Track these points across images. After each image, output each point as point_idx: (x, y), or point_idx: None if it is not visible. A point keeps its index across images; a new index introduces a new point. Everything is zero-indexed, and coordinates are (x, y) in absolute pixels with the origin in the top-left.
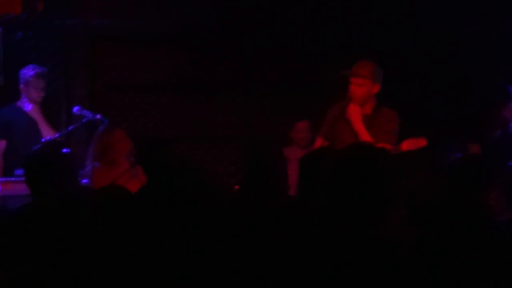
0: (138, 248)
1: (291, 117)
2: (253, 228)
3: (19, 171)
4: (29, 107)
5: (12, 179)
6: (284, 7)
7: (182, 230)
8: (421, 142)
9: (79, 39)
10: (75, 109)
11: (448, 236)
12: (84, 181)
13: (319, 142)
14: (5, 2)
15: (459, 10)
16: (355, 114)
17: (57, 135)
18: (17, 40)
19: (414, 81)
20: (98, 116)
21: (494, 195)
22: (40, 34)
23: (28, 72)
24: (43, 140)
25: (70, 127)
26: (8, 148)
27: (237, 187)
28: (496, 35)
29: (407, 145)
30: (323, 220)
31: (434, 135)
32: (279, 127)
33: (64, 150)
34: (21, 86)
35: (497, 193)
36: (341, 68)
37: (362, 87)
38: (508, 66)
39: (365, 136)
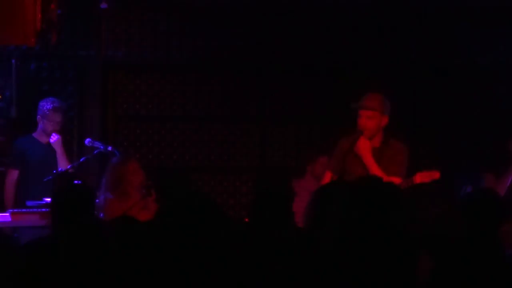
0: (149, 277)
1: (303, 149)
2: (263, 260)
3: (30, 203)
4: (52, 137)
5: (24, 210)
6: (300, 38)
7: (192, 262)
8: (435, 175)
9: (93, 71)
10: (87, 141)
11: (461, 269)
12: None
13: (328, 176)
14: (18, 34)
15: (474, 43)
16: (364, 147)
17: (68, 166)
18: (31, 72)
19: (429, 113)
20: (110, 148)
21: (506, 229)
22: (53, 65)
23: (46, 105)
24: (54, 171)
25: (82, 159)
26: (21, 178)
27: (247, 219)
28: (509, 67)
29: (420, 177)
30: (333, 252)
31: (449, 167)
32: (291, 159)
33: (75, 182)
34: (38, 117)
35: (509, 227)
36: (351, 101)
37: (372, 120)
38: None
39: (375, 170)
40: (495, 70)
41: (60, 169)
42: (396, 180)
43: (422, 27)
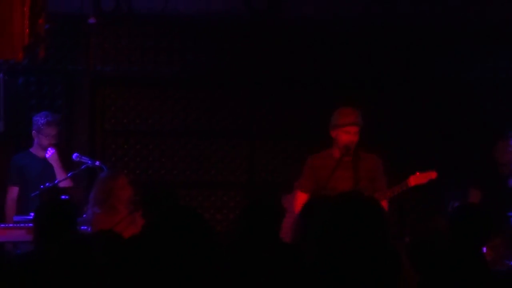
0: None
1: (293, 164)
2: (249, 274)
3: (17, 218)
4: (48, 152)
5: (11, 225)
6: (289, 53)
7: (179, 277)
8: (431, 175)
9: (81, 85)
10: (75, 155)
11: (446, 283)
12: (83, 227)
13: (302, 197)
14: (6, 49)
15: (462, 59)
16: None
17: (56, 181)
18: (19, 86)
19: (417, 128)
20: (97, 163)
21: (493, 245)
22: (41, 80)
23: (40, 119)
24: (42, 186)
25: (69, 174)
26: (21, 194)
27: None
28: (497, 82)
29: (414, 180)
30: (316, 267)
31: (438, 182)
32: (279, 174)
33: (63, 197)
34: (33, 132)
35: (496, 243)
36: (335, 118)
37: (358, 135)
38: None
39: None
40: (483, 86)
41: (47, 184)
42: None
43: (410, 43)
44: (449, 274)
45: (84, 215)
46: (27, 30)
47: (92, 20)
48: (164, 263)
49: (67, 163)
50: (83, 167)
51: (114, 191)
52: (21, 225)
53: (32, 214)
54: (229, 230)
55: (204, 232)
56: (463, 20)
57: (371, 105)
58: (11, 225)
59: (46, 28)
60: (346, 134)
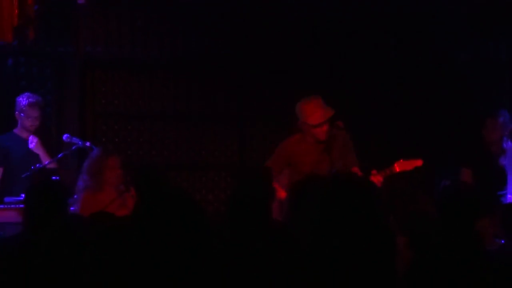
0: (128, 275)
1: None
2: (243, 254)
3: (8, 199)
4: (30, 143)
5: (2, 206)
6: (280, 37)
7: (171, 258)
8: (417, 162)
9: (71, 67)
10: (65, 136)
11: (441, 262)
12: (71, 208)
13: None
14: None
15: (452, 40)
16: None
17: (46, 162)
18: (8, 68)
19: (410, 109)
20: (88, 144)
21: (483, 224)
22: (31, 61)
23: (22, 100)
24: (32, 167)
25: (60, 155)
26: (5, 175)
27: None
28: (488, 63)
29: (400, 166)
30: (311, 246)
31: (430, 162)
32: (270, 155)
33: (53, 178)
34: (16, 113)
35: (486, 222)
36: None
37: (328, 125)
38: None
39: None
40: (473, 67)
41: (38, 165)
42: (357, 170)
43: (400, 24)
44: (441, 252)
45: (75, 196)
46: (17, 11)
47: (81, 1)
48: (155, 245)
49: (57, 145)
50: (73, 148)
51: (105, 170)
52: (12, 206)
53: (22, 195)
54: (220, 211)
55: (195, 213)
56: (451, 1)
57: (361, 87)
58: (2, 206)
59: (35, 9)
60: (318, 131)
